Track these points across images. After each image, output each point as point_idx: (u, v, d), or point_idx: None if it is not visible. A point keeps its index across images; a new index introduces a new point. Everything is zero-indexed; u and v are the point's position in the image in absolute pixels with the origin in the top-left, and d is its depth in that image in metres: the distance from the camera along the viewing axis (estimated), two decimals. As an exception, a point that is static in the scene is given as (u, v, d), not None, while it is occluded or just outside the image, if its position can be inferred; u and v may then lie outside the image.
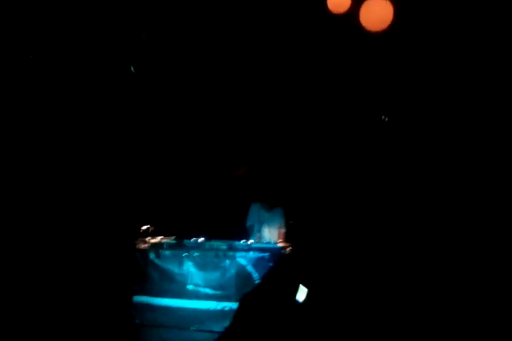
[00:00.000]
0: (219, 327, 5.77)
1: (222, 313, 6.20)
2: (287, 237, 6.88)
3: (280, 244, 6.65)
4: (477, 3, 3.66)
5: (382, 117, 5.42)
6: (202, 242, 6.64)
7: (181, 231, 6.95)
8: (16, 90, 4.97)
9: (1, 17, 4.63)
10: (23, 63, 4.80)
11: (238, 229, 7.09)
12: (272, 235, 6.97)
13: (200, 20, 4.56)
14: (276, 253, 6.48)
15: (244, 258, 6.45)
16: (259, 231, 6.96)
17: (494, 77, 4.36)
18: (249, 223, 7.06)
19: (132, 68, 5.31)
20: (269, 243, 6.72)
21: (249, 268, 6.47)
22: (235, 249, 6.51)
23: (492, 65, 4.10)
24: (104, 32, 4.77)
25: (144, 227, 6.79)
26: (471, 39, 3.99)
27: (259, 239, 6.83)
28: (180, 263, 6.47)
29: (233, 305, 6.36)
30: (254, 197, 7.15)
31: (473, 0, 3.58)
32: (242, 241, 6.68)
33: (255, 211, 7.05)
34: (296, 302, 3.38)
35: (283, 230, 6.98)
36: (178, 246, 6.62)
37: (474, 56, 4.09)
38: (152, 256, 6.49)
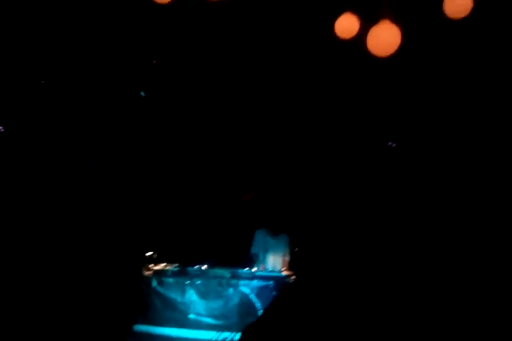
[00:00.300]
0: (219, 358, 5.61)
1: (223, 344, 6.05)
2: (292, 265, 6.74)
3: (284, 273, 6.51)
4: (483, 26, 3.69)
5: (389, 143, 5.39)
6: (205, 270, 6.51)
7: (185, 257, 6.83)
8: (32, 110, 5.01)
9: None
10: (38, 85, 4.86)
11: (242, 256, 6.97)
12: (276, 263, 6.83)
13: (211, 47, 4.62)
14: (280, 282, 6.34)
15: (248, 287, 6.31)
16: (264, 258, 6.82)
17: (502, 104, 4.36)
18: (253, 250, 6.92)
19: (142, 93, 5.35)
20: (273, 271, 6.58)
21: (253, 297, 6.33)
22: (238, 277, 6.37)
23: (500, 91, 4.11)
24: (117, 57, 4.83)
25: (148, 254, 6.68)
26: (478, 64, 4.00)
27: (264, 267, 6.68)
28: (183, 292, 6.33)
29: (234, 336, 6.19)
30: (259, 223, 7.05)
31: (479, 23, 3.61)
32: (245, 269, 6.55)
33: (260, 238, 6.92)
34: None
35: (287, 258, 6.85)
36: (182, 273, 6.49)
37: (481, 81, 4.09)
38: (155, 283, 6.37)
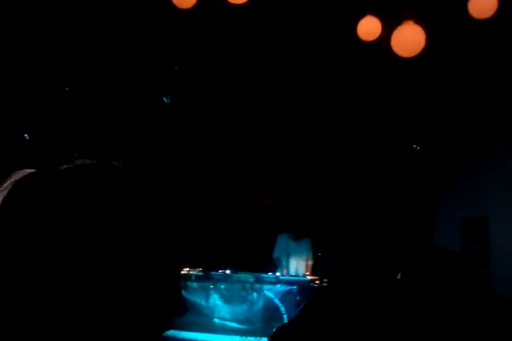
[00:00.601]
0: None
1: (247, 348, 6.03)
2: (316, 269, 6.71)
3: (309, 277, 6.48)
4: (508, 27, 3.66)
5: (414, 146, 5.35)
6: (229, 274, 6.51)
7: (208, 262, 6.83)
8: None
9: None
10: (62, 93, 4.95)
11: (265, 261, 6.94)
12: (299, 267, 6.79)
13: (233, 52, 4.67)
14: (304, 287, 6.31)
15: (272, 291, 6.29)
16: (287, 262, 6.78)
17: None
18: (276, 254, 6.88)
19: (165, 99, 5.40)
20: (297, 275, 6.56)
21: (277, 302, 6.30)
22: (262, 282, 6.36)
23: None
24: (140, 64, 4.90)
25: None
26: (502, 65, 3.96)
27: (287, 271, 6.66)
28: (207, 296, 6.34)
29: (260, 340, 6.17)
30: (281, 228, 7.02)
31: (505, 24, 3.58)
32: (269, 274, 6.54)
33: (282, 242, 6.88)
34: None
35: (310, 262, 6.81)
36: (205, 277, 6.50)
37: (505, 82, 4.05)
38: (179, 287, 6.39)
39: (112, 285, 0.76)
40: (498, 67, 3.96)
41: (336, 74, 4.50)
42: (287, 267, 6.72)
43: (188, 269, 6.62)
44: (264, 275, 6.50)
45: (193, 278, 6.48)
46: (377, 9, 3.84)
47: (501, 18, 3.71)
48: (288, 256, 6.78)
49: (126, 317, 0.75)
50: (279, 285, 6.33)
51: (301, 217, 6.98)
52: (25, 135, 5.88)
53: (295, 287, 6.28)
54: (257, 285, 6.31)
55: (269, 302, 6.25)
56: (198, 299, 6.32)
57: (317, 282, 6.37)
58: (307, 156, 6.77)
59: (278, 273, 6.53)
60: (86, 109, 5.15)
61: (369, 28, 3.86)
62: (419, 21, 3.35)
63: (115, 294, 0.77)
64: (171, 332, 4.50)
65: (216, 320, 6.27)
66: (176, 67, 5.30)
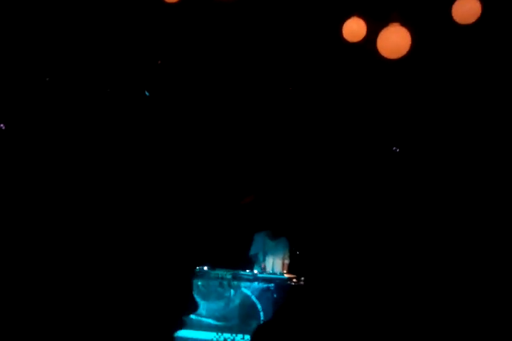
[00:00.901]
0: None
1: (223, 345, 6.04)
2: (293, 268, 6.74)
3: (286, 275, 6.52)
4: (492, 32, 3.73)
5: (394, 148, 5.42)
6: (207, 271, 6.51)
7: (185, 258, 6.80)
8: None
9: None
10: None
11: (243, 259, 6.95)
12: (275, 265, 6.83)
13: (216, 47, 4.66)
14: (281, 285, 6.35)
15: (249, 289, 6.32)
16: (264, 260, 6.81)
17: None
18: (252, 252, 6.90)
19: (147, 92, 5.37)
20: (274, 273, 6.59)
21: (254, 299, 6.33)
22: (239, 279, 6.38)
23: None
24: (122, 56, 4.86)
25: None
26: (486, 68, 4.04)
27: (264, 269, 6.68)
28: (184, 292, 6.32)
29: (235, 337, 6.18)
30: (259, 226, 7.03)
31: (489, 29, 3.65)
32: (247, 271, 6.56)
33: (259, 240, 6.91)
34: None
35: (287, 261, 6.85)
36: (182, 274, 6.48)
37: (489, 85, 4.13)
38: (155, 283, 6.36)
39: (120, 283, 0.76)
40: (482, 70, 4.05)
41: (321, 75, 4.53)
42: (264, 265, 6.75)
43: (165, 265, 6.59)
44: (242, 272, 6.52)
45: (170, 274, 6.45)
46: (363, 11, 3.88)
47: (484, 23, 3.78)
48: (265, 254, 6.81)
49: (137, 316, 0.75)
50: (256, 283, 6.36)
51: (278, 216, 7.01)
52: (1, 125, 5.79)
53: (272, 285, 6.31)
54: (235, 283, 6.33)
55: (246, 299, 6.28)
56: (174, 295, 6.30)
57: (294, 280, 6.42)
58: (286, 155, 6.79)
59: (255, 271, 6.55)
60: (64, 102, 5.10)
61: (354, 29, 3.90)
62: (404, 24, 3.39)
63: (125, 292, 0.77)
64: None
65: (192, 316, 6.26)
66: (159, 61, 5.27)
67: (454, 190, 5.10)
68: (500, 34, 3.84)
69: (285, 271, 6.72)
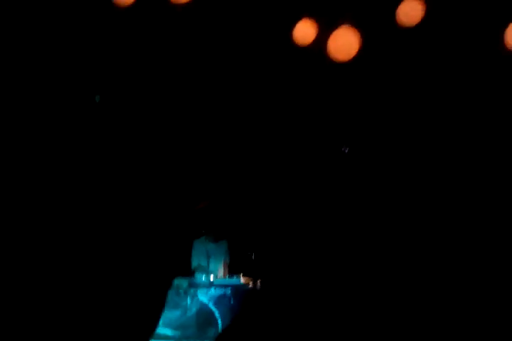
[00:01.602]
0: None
1: (180, 355, 5.96)
2: (248, 271, 6.73)
3: (242, 280, 6.50)
4: (435, 34, 3.88)
5: (343, 148, 5.51)
6: (161, 280, 6.39)
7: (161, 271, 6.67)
8: None
9: None
10: None
11: (189, 265, 6.88)
12: (219, 269, 6.79)
13: (167, 53, 4.59)
14: (238, 290, 6.33)
15: (206, 296, 6.27)
16: (208, 266, 6.75)
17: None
18: (195, 262, 6.81)
19: (97, 98, 5.21)
20: (231, 278, 6.56)
21: (211, 306, 6.28)
22: (195, 286, 6.31)
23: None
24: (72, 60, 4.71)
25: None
26: (431, 70, 4.20)
27: (207, 274, 6.62)
28: (139, 303, 6.18)
29: (193, 346, 6.12)
30: (199, 230, 6.95)
31: (432, 31, 3.79)
32: (203, 278, 6.50)
33: (200, 246, 6.84)
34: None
35: (227, 263, 6.84)
36: (137, 284, 6.34)
37: (434, 87, 4.29)
38: (109, 295, 6.18)
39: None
40: (427, 71, 4.20)
41: (270, 77, 4.56)
42: (209, 270, 6.69)
43: (118, 276, 6.42)
44: (198, 279, 6.45)
45: (124, 284, 6.29)
46: (313, 12, 3.92)
47: (429, 26, 3.91)
48: (209, 259, 6.75)
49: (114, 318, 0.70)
50: (212, 289, 6.31)
51: (218, 219, 6.96)
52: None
53: (228, 290, 6.29)
54: (191, 290, 6.26)
55: (203, 307, 6.24)
56: (129, 306, 6.15)
57: (250, 284, 6.41)
58: (225, 156, 6.75)
59: (211, 277, 6.50)
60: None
61: (304, 31, 3.94)
62: (354, 25, 3.46)
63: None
64: None
65: (148, 328, 6.12)
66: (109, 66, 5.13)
67: (433, 190, 5.22)
68: (445, 36, 4.00)
69: (227, 274, 6.68)
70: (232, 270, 6.77)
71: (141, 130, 6.26)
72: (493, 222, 4.27)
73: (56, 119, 5.34)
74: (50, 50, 4.46)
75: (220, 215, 6.90)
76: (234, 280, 6.47)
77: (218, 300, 6.29)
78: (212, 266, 6.74)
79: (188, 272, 6.68)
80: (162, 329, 6.12)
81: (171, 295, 6.20)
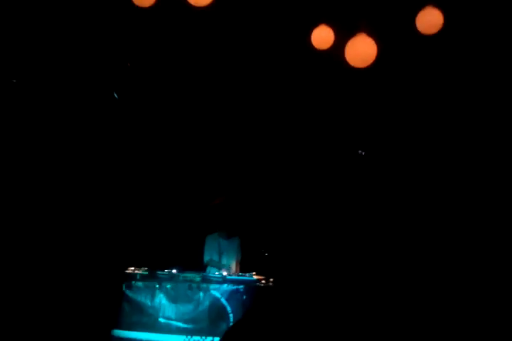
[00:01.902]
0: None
1: (193, 347, 6.05)
2: (262, 269, 6.80)
3: (255, 276, 6.57)
4: (454, 42, 3.88)
5: (359, 151, 5.55)
6: (175, 274, 6.50)
7: (153, 262, 6.80)
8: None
9: None
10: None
11: (200, 261, 6.97)
12: (231, 266, 6.87)
13: (186, 52, 4.67)
14: (250, 286, 6.39)
15: (218, 291, 6.33)
16: (220, 262, 6.83)
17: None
18: (207, 257, 6.89)
19: (115, 94, 5.33)
20: (243, 275, 6.64)
21: (223, 301, 6.35)
22: (209, 281, 6.39)
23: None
24: (90, 59, 4.82)
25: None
26: (449, 78, 4.20)
27: (219, 269, 6.70)
28: (153, 295, 6.30)
29: (205, 339, 6.20)
30: (214, 227, 7.03)
31: (452, 39, 3.80)
32: (216, 273, 6.58)
33: (213, 242, 6.91)
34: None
35: (239, 260, 6.91)
36: (151, 277, 6.46)
37: (452, 95, 4.30)
38: (124, 287, 6.32)
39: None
40: (445, 79, 4.21)
41: (290, 80, 4.60)
42: (220, 266, 6.77)
43: (133, 268, 6.57)
44: (211, 274, 6.54)
45: (138, 277, 6.42)
46: (332, 19, 3.97)
47: (447, 34, 3.93)
48: (221, 255, 6.82)
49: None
50: (225, 285, 6.38)
51: (232, 216, 7.03)
52: None
53: (241, 286, 6.35)
54: (204, 285, 6.34)
55: (215, 301, 6.29)
56: (143, 299, 6.28)
57: (263, 281, 6.48)
58: (240, 157, 6.82)
59: (225, 273, 6.58)
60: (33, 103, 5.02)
61: (323, 37, 3.98)
62: (371, 33, 3.49)
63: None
64: (116, 332, 4.47)
65: (161, 320, 6.26)
66: (129, 64, 5.25)
67: (430, 192, 5.24)
68: (461, 44, 4.00)
69: (238, 271, 6.76)
70: (244, 267, 6.86)
71: (157, 127, 6.38)
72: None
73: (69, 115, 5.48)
74: (68, 48, 4.57)
75: (234, 212, 6.99)
76: (247, 277, 6.54)
77: (231, 296, 6.35)
78: (224, 262, 6.82)
79: (200, 267, 6.79)
80: (175, 323, 6.24)
81: (183, 289, 6.33)
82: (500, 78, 4.20)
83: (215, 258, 6.83)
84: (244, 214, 7.23)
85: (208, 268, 6.80)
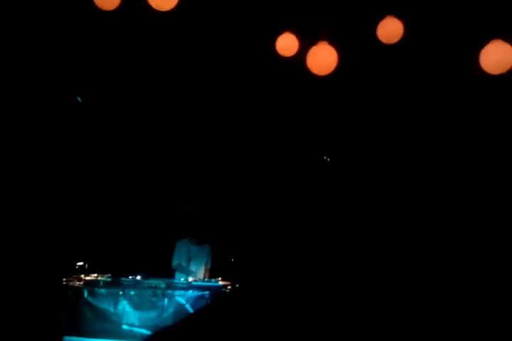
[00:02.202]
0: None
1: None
2: (228, 275, 6.78)
3: (220, 282, 6.54)
4: (415, 52, 3.96)
5: (325, 157, 5.60)
6: (140, 280, 6.43)
7: (117, 268, 6.71)
8: None
9: None
10: None
11: (168, 267, 6.92)
12: (199, 272, 6.83)
13: (149, 54, 4.65)
14: (216, 292, 6.37)
15: (183, 297, 6.29)
16: (187, 268, 6.79)
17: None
18: (175, 262, 6.85)
19: (79, 98, 5.26)
20: (209, 281, 6.60)
21: (188, 307, 6.31)
22: (174, 288, 6.34)
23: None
24: (53, 62, 4.74)
25: (79, 264, 6.51)
26: (409, 86, 4.29)
27: (188, 276, 6.66)
28: (116, 302, 6.22)
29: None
30: (182, 233, 7.00)
31: (412, 49, 3.88)
32: (181, 280, 6.53)
33: (183, 248, 6.87)
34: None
35: (209, 267, 6.88)
36: (115, 284, 6.37)
37: (411, 102, 4.39)
38: (86, 294, 6.21)
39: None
40: (405, 88, 4.30)
41: (254, 87, 4.62)
42: (188, 273, 6.73)
43: (95, 275, 6.47)
44: (176, 281, 6.49)
45: (101, 284, 6.33)
46: (297, 27, 4.00)
47: (408, 44, 4.00)
48: (189, 261, 6.78)
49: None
50: (190, 291, 6.34)
51: (202, 222, 7.00)
52: None
53: (207, 292, 6.32)
54: (169, 291, 6.28)
55: (180, 308, 6.25)
56: (106, 305, 6.19)
57: (229, 287, 6.45)
58: (211, 162, 6.81)
59: (190, 279, 6.54)
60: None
61: (287, 44, 4.01)
62: (333, 42, 3.54)
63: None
64: (78, 339, 4.37)
65: (125, 327, 6.17)
66: (93, 67, 5.19)
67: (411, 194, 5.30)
68: (422, 53, 4.08)
69: (207, 278, 6.74)
70: (213, 274, 6.83)
71: (125, 130, 6.31)
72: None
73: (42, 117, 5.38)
74: (31, 51, 4.50)
75: (204, 218, 6.96)
76: (212, 283, 6.51)
77: (196, 302, 6.31)
78: (192, 268, 6.78)
79: (166, 273, 6.73)
80: (138, 329, 6.17)
81: (147, 295, 6.26)
82: (460, 86, 4.32)
83: (184, 263, 6.78)
84: (214, 221, 7.20)
85: (176, 274, 6.75)
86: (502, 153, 4.84)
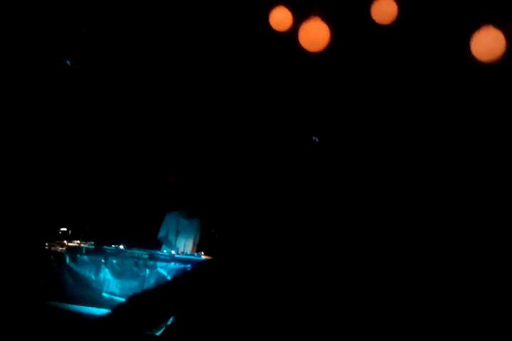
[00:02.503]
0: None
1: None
2: (210, 249, 6.82)
3: (204, 256, 6.60)
4: (408, 33, 3.93)
5: (313, 138, 5.59)
6: (122, 249, 6.47)
7: (100, 237, 6.74)
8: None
9: None
10: None
11: (155, 238, 6.96)
12: (186, 246, 6.87)
13: (141, 20, 4.58)
14: (198, 266, 6.41)
15: (165, 269, 6.34)
16: (175, 241, 6.82)
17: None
18: (162, 233, 6.88)
19: (68, 62, 5.19)
20: (192, 254, 6.65)
21: (169, 279, 6.37)
22: (156, 259, 6.39)
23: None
24: (42, 25, 4.67)
25: (62, 230, 6.53)
26: (402, 67, 4.27)
27: (175, 249, 6.71)
28: (98, 270, 6.26)
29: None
30: (173, 205, 7.01)
31: (405, 30, 3.85)
32: (164, 251, 6.58)
33: (172, 220, 6.89)
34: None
35: (197, 241, 6.92)
36: (97, 251, 6.41)
37: (403, 84, 4.37)
38: (68, 260, 6.25)
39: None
40: (398, 68, 4.27)
41: (244, 62, 4.59)
42: (175, 245, 6.76)
43: (78, 241, 6.50)
44: (159, 252, 6.53)
45: (84, 251, 6.36)
46: (291, 2, 3.96)
47: (403, 25, 3.97)
48: (177, 234, 6.81)
49: None
50: (173, 263, 6.38)
51: (194, 196, 7.01)
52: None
53: (189, 265, 6.37)
54: (151, 262, 6.33)
55: (161, 279, 6.29)
56: (87, 272, 6.23)
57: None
58: (204, 138, 6.78)
59: (173, 251, 6.58)
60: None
61: (281, 18, 3.97)
62: (325, 18, 3.50)
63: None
64: (58, 305, 4.40)
65: (105, 295, 6.23)
66: (83, 31, 5.10)
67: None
68: (416, 34, 4.05)
69: (195, 252, 6.78)
70: (200, 249, 6.87)
71: (111, 103, 6.25)
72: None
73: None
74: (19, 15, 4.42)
75: (195, 193, 6.96)
76: (195, 257, 6.55)
77: (177, 274, 6.37)
78: (179, 242, 6.81)
79: (152, 244, 6.77)
80: (118, 298, 6.23)
81: (129, 265, 6.30)
82: (452, 69, 4.29)
83: (172, 236, 6.81)
84: (205, 196, 7.21)
85: (163, 246, 6.78)
86: (496, 143, 4.84)
